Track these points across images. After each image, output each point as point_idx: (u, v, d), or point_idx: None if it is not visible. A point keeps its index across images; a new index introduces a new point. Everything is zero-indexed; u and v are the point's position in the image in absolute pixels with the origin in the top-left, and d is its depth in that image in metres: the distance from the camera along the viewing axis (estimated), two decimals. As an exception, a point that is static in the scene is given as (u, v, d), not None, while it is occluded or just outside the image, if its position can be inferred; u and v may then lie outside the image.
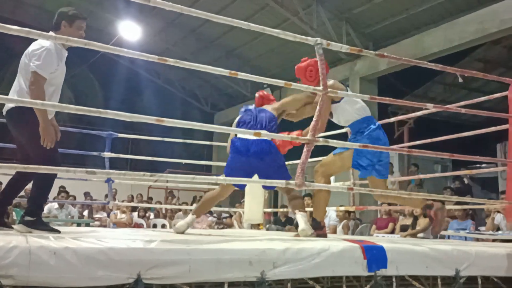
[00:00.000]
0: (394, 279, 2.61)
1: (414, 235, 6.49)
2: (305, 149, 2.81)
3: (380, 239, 3.71)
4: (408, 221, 7.01)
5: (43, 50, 3.02)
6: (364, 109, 3.78)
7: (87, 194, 10.62)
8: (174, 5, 2.56)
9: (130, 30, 13.39)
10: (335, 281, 2.52)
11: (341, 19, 11.11)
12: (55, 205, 8.46)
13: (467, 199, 4.63)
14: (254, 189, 5.48)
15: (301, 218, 3.55)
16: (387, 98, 3.23)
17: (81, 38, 3.16)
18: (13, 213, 8.23)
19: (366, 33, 11.37)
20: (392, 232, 7.14)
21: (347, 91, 3.71)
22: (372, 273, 2.52)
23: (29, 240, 1.91)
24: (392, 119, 5.18)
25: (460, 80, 3.70)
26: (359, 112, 3.76)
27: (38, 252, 1.82)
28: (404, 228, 6.96)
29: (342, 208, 5.97)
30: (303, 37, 2.90)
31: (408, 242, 3.12)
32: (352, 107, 3.72)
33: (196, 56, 14.47)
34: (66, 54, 3.25)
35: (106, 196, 6.01)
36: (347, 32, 11.10)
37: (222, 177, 3.08)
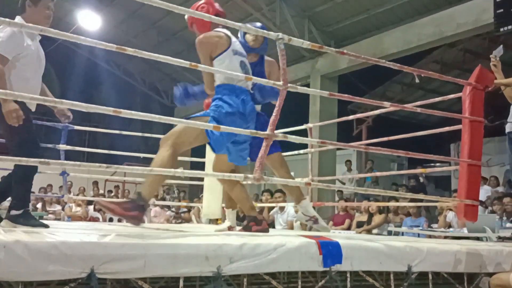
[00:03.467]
0: (348, 275, 2.65)
1: (369, 231, 6.64)
2: (264, 143, 2.81)
3: (336, 235, 3.77)
4: (364, 218, 7.18)
5: (4, 28, 2.89)
6: (229, 76, 3.19)
7: (47, 187, 10.33)
8: (134, -4, 2.50)
9: (89, 20, 13.07)
10: (291, 277, 2.53)
11: (304, 17, 11.21)
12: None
13: (421, 196, 4.76)
14: (213, 183, 5.46)
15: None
16: (346, 95, 3.27)
17: (48, 18, 3.06)
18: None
19: (327, 32, 11.51)
20: (349, 228, 7.29)
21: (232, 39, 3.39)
22: (327, 269, 2.55)
23: (-23, 234, 1.84)
24: (351, 117, 5.27)
25: (417, 80, 3.78)
26: (221, 77, 3.31)
27: (-14, 247, 1.75)
28: (360, 224, 7.12)
29: (300, 204, 6.03)
30: (265, 31, 2.90)
31: (363, 238, 3.18)
32: (219, 66, 3.26)
33: (157, 49, 14.24)
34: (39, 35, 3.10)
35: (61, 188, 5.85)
36: (309, 29, 11.21)
37: (180, 170, 3.04)
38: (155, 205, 9.17)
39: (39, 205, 9.30)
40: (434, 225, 7.12)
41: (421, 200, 5.74)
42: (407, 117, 15.15)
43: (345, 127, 12.68)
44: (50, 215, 8.89)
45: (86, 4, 12.78)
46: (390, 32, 10.14)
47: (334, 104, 11.40)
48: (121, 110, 2.41)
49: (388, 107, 3.47)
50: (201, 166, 5.98)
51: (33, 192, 9.44)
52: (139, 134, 6.85)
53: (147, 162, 13.96)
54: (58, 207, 9.51)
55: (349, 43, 11.08)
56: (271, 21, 10.81)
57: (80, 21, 13.04)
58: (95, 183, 12.54)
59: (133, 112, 2.48)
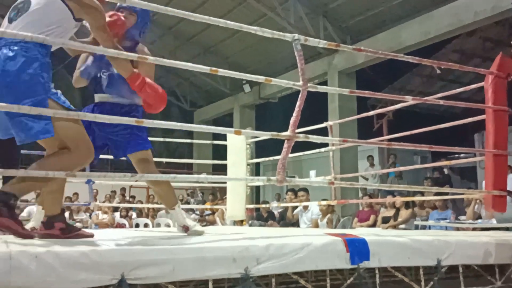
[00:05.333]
0: (377, 271, 2.64)
1: (395, 227, 6.58)
2: (285, 145, 2.81)
3: (362, 232, 3.75)
4: (390, 213, 7.10)
5: None
6: None
7: (73, 196, 10.52)
8: (149, 4, 2.53)
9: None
10: (319, 275, 2.53)
11: (318, 14, 11.16)
12: (35, 208, 8.34)
13: (446, 189, 4.71)
14: (236, 186, 5.49)
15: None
16: (367, 92, 3.25)
17: None
18: None
19: (343, 27, 11.44)
20: (374, 224, 7.23)
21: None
22: (355, 266, 2.54)
23: (9, 245, 1.88)
24: (372, 113, 5.22)
25: (438, 71, 3.73)
26: None
27: (18, 257, 1.79)
28: (386, 220, 7.04)
29: (324, 202, 6.01)
30: (281, 33, 2.90)
31: (390, 234, 3.16)
32: None
33: (174, 54, 14.38)
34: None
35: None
36: (325, 26, 11.16)
37: (203, 175, 3.06)
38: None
39: (66, 214, 9.45)
40: (462, 217, 7.02)
41: (447, 193, 5.67)
42: (428, 109, 14.97)
43: (365, 122, 12.58)
44: (78, 224, 9.02)
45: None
46: (406, 24, 10.03)
47: (353, 100, 11.33)
48: (143, 120, 2.47)
49: (410, 101, 3.43)
50: (223, 168, 6.01)
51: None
52: (161, 139, 6.92)
53: (169, 166, 14.07)
54: (85, 215, 9.66)
55: (366, 37, 11.00)
56: (286, 20, 10.80)
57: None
58: (122, 189, 12.73)
59: (154, 121, 2.53)
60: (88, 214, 9.72)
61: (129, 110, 3.09)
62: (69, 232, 2.51)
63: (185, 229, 3.08)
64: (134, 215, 10.59)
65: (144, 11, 3.13)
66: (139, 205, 11.02)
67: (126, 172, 2.54)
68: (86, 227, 8.87)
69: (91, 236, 2.54)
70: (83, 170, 2.93)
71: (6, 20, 2.47)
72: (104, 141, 3.09)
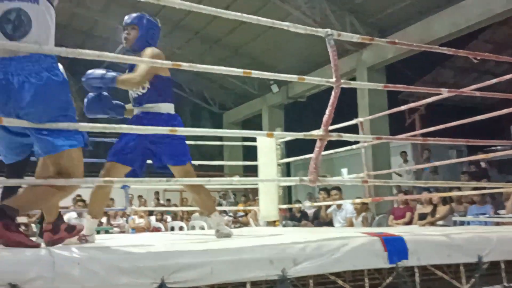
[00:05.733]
0: (416, 270, 2.61)
1: (433, 223, 6.46)
2: (317, 145, 2.80)
3: (399, 230, 3.70)
4: (427, 209, 6.97)
5: None
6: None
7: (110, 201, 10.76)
8: (183, 2, 2.55)
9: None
10: (357, 275, 2.51)
11: (344, 10, 11.07)
12: (74, 214, 8.54)
13: (484, 183, 4.59)
14: (268, 186, 5.49)
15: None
16: (401, 86, 3.21)
17: None
18: (32, 225, 8.35)
19: (370, 23, 11.31)
20: (410, 221, 7.10)
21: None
22: (394, 265, 2.51)
23: (52, 253, 1.93)
24: (404, 107, 5.13)
25: (476, 61, 3.63)
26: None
27: (62, 264, 1.84)
28: (422, 217, 6.91)
29: (358, 201, 5.95)
30: (313, 29, 2.87)
31: (428, 231, 3.11)
32: None
33: (202, 58, 14.49)
34: None
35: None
36: (351, 22, 11.06)
37: (236, 178, 3.09)
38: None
39: (104, 220, 9.65)
40: (502, 211, 6.84)
41: (485, 187, 5.52)
42: (461, 101, 14.62)
43: (397, 117, 12.38)
44: (115, 229, 9.21)
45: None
46: (436, 16, 9.83)
47: (384, 95, 11.18)
48: (176, 128, 2.51)
49: (444, 93, 3.36)
50: (254, 169, 6.03)
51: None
52: (192, 142, 6.98)
53: (202, 169, 14.20)
54: (122, 220, 9.84)
55: (394, 31, 10.84)
56: (311, 18, 10.75)
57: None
58: (156, 193, 12.91)
59: (187, 128, 2.57)
60: (124, 218, 9.90)
61: (168, 118, 3.16)
62: (72, 230, 2.62)
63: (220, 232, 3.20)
64: (169, 218, 10.74)
65: (144, 20, 3.29)
66: (173, 208, 11.16)
67: (161, 177, 2.59)
68: (124, 232, 9.04)
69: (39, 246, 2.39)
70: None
71: None
72: (145, 151, 3.16)
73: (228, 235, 3.17)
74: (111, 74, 2.99)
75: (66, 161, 2.24)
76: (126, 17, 3.31)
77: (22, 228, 7.96)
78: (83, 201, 9.36)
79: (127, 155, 3.04)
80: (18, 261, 1.79)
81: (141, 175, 3.20)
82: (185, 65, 2.52)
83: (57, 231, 2.55)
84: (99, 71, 2.96)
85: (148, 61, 2.76)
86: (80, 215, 8.68)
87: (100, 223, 9.38)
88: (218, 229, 3.21)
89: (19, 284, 1.74)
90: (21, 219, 8.39)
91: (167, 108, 3.20)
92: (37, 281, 1.79)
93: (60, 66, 2.38)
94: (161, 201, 12.57)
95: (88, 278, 1.87)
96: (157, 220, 10.18)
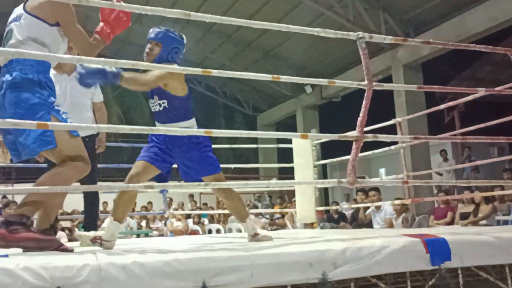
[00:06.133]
0: (459, 271, 2.55)
1: (476, 223, 6.29)
2: (354, 146, 2.78)
3: (441, 231, 3.62)
4: (468, 209, 6.79)
5: None
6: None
7: (148, 205, 11.02)
8: (213, 16, 2.60)
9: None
10: (398, 277, 2.48)
11: (378, 8, 10.94)
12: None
13: (528, 181, 4.45)
14: (305, 188, 5.48)
15: None
16: (436, 86, 3.16)
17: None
18: (76, 229, 8.58)
19: (405, 20, 11.14)
20: (452, 221, 6.94)
21: None
22: (436, 267, 2.47)
23: (98, 257, 1.99)
24: (442, 106, 5.02)
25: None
26: None
27: (108, 268, 1.90)
28: (464, 216, 6.74)
29: (398, 201, 5.86)
30: (344, 33, 2.88)
31: (470, 232, 3.04)
32: None
33: (234, 61, 14.61)
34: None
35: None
36: (385, 20, 10.92)
37: (273, 180, 3.10)
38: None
39: (143, 223, 9.85)
40: (548, 210, 6.59)
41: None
42: (502, 97, 14.16)
43: (436, 115, 12.15)
44: (154, 232, 9.38)
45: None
46: (472, 11, 9.59)
47: (421, 93, 10.98)
48: (212, 130, 2.53)
49: (483, 92, 3.28)
50: (289, 170, 6.02)
51: (138, 211, 9.99)
52: (227, 146, 7.05)
53: (237, 172, 14.22)
54: (160, 224, 10.01)
55: (429, 28, 10.64)
56: (344, 17, 10.67)
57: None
58: (191, 196, 13.07)
59: (223, 130, 2.62)
60: (163, 222, 10.06)
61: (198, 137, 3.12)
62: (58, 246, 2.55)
63: (255, 236, 3.17)
64: (206, 221, 10.85)
65: (169, 38, 3.28)
66: (210, 211, 11.26)
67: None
68: (162, 235, 9.19)
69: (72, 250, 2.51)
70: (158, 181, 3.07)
71: None
72: (173, 162, 3.17)
73: (269, 238, 3.16)
74: (114, 70, 2.79)
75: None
76: (151, 31, 3.29)
77: (66, 232, 8.19)
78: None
79: (159, 158, 3.04)
80: (67, 266, 1.85)
81: (167, 180, 3.23)
82: (214, 72, 2.55)
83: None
84: (95, 66, 2.73)
85: (180, 69, 2.79)
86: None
87: (140, 227, 9.58)
88: (256, 232, 3.21)
89: (67, 288, 1.80)
90: (64, 224, 8.64)
91: (189, 124, 3.16)
92: (84, 285, 1.85)
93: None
94: (197, 204, 12.71)
95: (133, 282, 1.92)
96: (194, 223, 10.30)
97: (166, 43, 3.24)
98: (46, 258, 1.95)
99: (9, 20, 2.58)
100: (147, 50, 3.22)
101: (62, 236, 6.00)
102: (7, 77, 2.41)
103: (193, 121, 3.21)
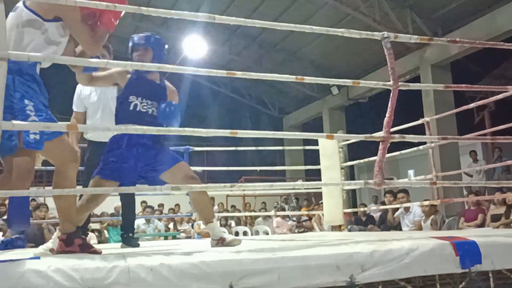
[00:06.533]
0: (490, 274, 2.50)
1: (508, 225, 6.14)
2: (380, 147, 2.76)
3: (471, 233, 3.55)
4: (500, 210, 6.63)
5: None
6: None
7: (175, 207, 11.16)
8: (237, 19, 2.61)
9: (195, 45, 13.72)
10: (428, 280, 2.45)
11: (405, 7, 10.81)
12: (143, 220, 8.85)
13: None
14: (332, 190, 5.44)
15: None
16: (464, 85, 3.10)
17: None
18: (105, 231, 8.73)
19: (433, 19, 10.96)
20: (483, 223, 6.79)
21: None
22: (466, 270, 2.42)
23: (127, 259, 2.02)
24: (472, 105, 4.92)
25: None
26: None
27: (136, 270, 1.93)
28: (496, 218, 6.58)
29: (426, 203, 5.76)
30: (369, 33, 2.86)
31: (502, 234, 2.97)
32: None
33: (259, 63, 14.63)
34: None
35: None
36: (413, 19, 10.77)
37: (299, 182, 3.09)
38: (276, 216, 9.35)
39: (171, 225, 9.94)
40: None
41: None
42: (534, 95, 13.82)
43: (465, 114, 11.89)
44: (181, 234, 9.45)
45: (190, 31, 13.47)
46: (503, 9, 9.38)
47: (450, 92, 10.79)
48: (237, 131, 2.54)
49: (510, 91, 3.21)
50: (316, 172, 6.00)
51: (165, 213, 10.07)
52: (253, 148, 7.05)
53: (263, 174, 14.22)
54: (188, 226, 10.08)
55: (458, 26, 10.44)
56: (371, 18, 10.57)
57: (186, 48, 13.75)
58: (211, 198, 13.15)
59: (248, 131, 2.61)
60: (190, 224, 10.14)
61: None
62: (86, 248, 2.57)
63: (222, 241, 3.04)
64: (233, 223, 10.88)
65: (159, 42, 3.27)
66: (237, 214, 11.30)
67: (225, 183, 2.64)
68: (190, 237, 9.26)
69: (100, 252, 2.55)
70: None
71: None
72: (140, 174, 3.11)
73: (238, 242, 3.00)
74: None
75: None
76: (136, 38, 3.25)
77: (95, 234, 8.34)
78: (151, 207, 9.70)
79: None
80: (97, 268, 1.89)
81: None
82: (239, 74, 2.57)
83: (70, 244, 2.54)
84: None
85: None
86: (148, 221, 9.00)
87: (168, 229, 9.67)
88: (222, 237, 3.06)
89: (98, 289, 1.84)
90: (94, 226, 8.80)
91: None
92: (114, 286, 1.88)
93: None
94: (225, 207, 12.76)
95: (161, 284, 1.95)
96: (221, 225, 10.34)
97: (156, 47, 3.25)
98: (77, 260, 1.99)
99: None
100: (136, 57, 3.18)
101: (92, 238, 6.11)
102: None
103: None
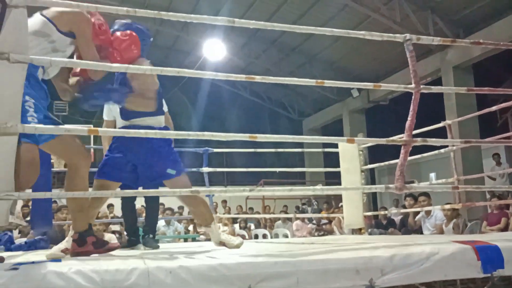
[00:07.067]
0: (514, 280, 2.45)
1: (531, 230, 6.01)
2: (402, 150, 2.73)
3: (494, 237, 3.49)
4: (524, 214, 6.51)
5: None
6: None
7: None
8: (256, 22, 2.62)
9: (214, 48, 13.79)
10: (448, 284, 2.42)
11: (426, 9, 10.69)
12: (162, 222, 8.92)
13: None
14: (352, 193, 5.40)
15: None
16: (487, 88, 3.05)
17: None
18: (125, 233, 8.80)
19: (454, 20, 10.82)
20: (506, 227, 6.66)
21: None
22: (488, 275, 2.38)
23: (146, 261, 2.04)
24: (494, 108, 4.83)
25: None
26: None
27: (155, 272, 1.94)
28: (519, 223, 6.46)
29: (448, 206, 5.67)
30: (391, 35, 2.83)
31: (526, 239, 2.91)
32: None
33: (279, 66, 14.62)
34: None
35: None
36: (434, 21, 10.65)
37: (319, 186, 3.08)
38: (296, 219, 9.33)
39: (190, 227, 9.99)
40: None
41: None
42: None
43: (488, 117, 11.70)
44: (201, 236, 9.49)
45: (210, 35, 13.55)
46: (526, 10, 9.22)
47: (472, 95, 10.62)
48: (256, 135, 2.54)
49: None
50: (336, 175, 5.96)
51: (185, 216, 10.11)
52: (272, 150, 7.05)
53: (282, 176, 14.20)
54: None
55: (480, 28, 10.29)
56: (391, 19, 10.49)
57: (206, 51, 13.84)
58: (224, 201, 13.14)
59: (267, 135, 2.61)
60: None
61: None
62: (100, 246, 2.60)
63: (222, 244, 3.11)
64: (252, 226, 10.88)
65: (139, 30, 3.15)
66: (256, 216, 11.30)
67: (245, 186, 2.65)
68: (209, 239, 9.28)
69: (118, 247, 2.62)
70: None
71: None
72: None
73: (239, 246, 3.08)
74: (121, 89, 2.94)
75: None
76: (116, 25, 3.10)
77: (116, 235, 8.42)
78: (171, 209, 9.77)
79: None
80: (116, 270, 1.91)
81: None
82: (258, 78, 2.57)
83: (83, 243, 2.55)
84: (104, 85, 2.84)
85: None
86: (168, 222, 9.07)
87: (187, 231, 9.73)
88: (221, 240, 3.14)
89: (118, 291, 1.86)
90: (114, 227, 8.89)
91: None
92: (134, 288, 1.90)
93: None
94: (244, 209, 12.78)
95: (179, 286, 1.96)
96: (241, 227, 10.35)
97: (139, 36, 3.13)
98: (97, 262, 2.02)
99: None
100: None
101: (112, 239, 6.16)
102: None
103: None
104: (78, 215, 2.60)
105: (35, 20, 2.51)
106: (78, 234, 2.57)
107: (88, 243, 2.57)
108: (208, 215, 3.24)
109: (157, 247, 3.93)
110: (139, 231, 4.23)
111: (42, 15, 2.54)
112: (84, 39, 2.59)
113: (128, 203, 4.23)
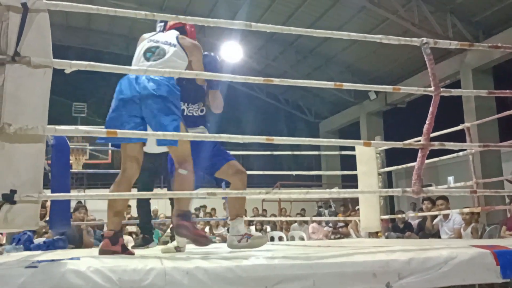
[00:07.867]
0: (534, 285, 2.41)
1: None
2: (420, 154, 2.71)
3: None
4: (545, 219, 6.39)
5: None
6: None
7: (212, 211, 11.27)
8: (273, 26, 2.63)
9: (231, 51, 13.83)
10: (467, 289, 2.39)
11: (445, 11, 10.58)
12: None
13: None
14: (369, 196, 5.37)
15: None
16: (508, 91, 3.01)
17: None
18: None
19: (474, 22, 10.69)
20: (526, 232, 6.55)
21: None
22: (508, 280, 2.35)
23: (163, 262, 2.06)
24: (514, 111, 4.77)
25: None
26: None
27: (172, 273, 1.95)
28: (540, 227, 6.35)
29: (466, 210, 5.61)
30: (408, 39, 2.82)
31: (546, 244, 2.86)
32: None
33: (296, 68, 14.61)
34: None
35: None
36: (453, 23, 10.54)
37: (335, 189, 3.07)
38: (313, 221, 9.29)
39: (206, 229, 10.03)
40: None
41: None
42: None
43: (507, 121, 11.51)
44: (217, 238, 9.52)
45: (227, 37, 13.60)
46: (548, 10, 9.08)
47: (492, 98, 10.49)
48: (273, 137, 2.55)
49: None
50: (353, 178, 5.93)
51: (201, 217, 10.20)
52: (289, 153, 7.04)
53: (299, 179, 14.10)
54: (223, 229, 10.15)
55: (500, 30, 10.15)
56: (409, 21, 10.41)
57: (223, 53, 13.88)
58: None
59: (284, 138, 2.61)
60: (225, 228, 10.20)
61: None
62: (124, 250, 2.67)
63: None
64: (268, 228, 10.88)
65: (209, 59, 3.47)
66: (272, 218, 11.29)
67: (261, 188, 2.65)
68: (225, 241, 9.31)
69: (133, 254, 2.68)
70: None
71: (141, 57, 2.90)
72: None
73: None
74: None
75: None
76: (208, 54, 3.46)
77: (133, 236, 8.49)
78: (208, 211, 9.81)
79: None
80: (134, 270, 1.93)
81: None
82: (276, 81, 2.58)
83: (115, 242, 2.62)
84: None
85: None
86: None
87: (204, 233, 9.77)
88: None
89: (136, 290, 1.88)
90: (131, 228, 8.96)
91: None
92: (150, 288, 1.92)
93: None
94: (260, 212, 12.77)
95: (196, 287, 1.97)
96: (257, 229, 10.35)
97: (209, 65, 3.42)
98: (115, 261, 2.04)
99: (156, 39, 2.95)
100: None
101: (129, 241, 6.22)
102: (149, 82, 2.67)
103: None
104: (116, 214, 2.71)
105: (180, 53, 2.92)
106: (113, 232, 2.65)
107: (119, 244, 2.64)
108: (242, 208, 3.46)
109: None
110: (153, 229, 4.30)
111: (179, 43, 2.96)
112: (198, 64, 3.09)
113: (143, 200, 4.28)
